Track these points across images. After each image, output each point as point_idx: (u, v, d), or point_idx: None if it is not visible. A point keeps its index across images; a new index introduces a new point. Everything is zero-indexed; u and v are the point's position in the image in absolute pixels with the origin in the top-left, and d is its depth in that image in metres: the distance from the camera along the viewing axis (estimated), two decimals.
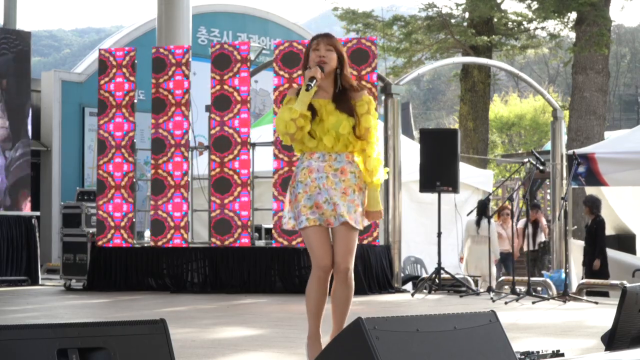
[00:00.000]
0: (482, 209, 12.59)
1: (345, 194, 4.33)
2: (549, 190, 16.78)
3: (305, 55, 4.48)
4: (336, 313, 4.48)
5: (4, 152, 11.84)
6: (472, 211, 11.13)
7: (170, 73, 10.49)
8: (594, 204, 11.60)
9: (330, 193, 4.31)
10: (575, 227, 14.38)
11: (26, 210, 11.98)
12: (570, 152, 11.16)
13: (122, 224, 10.47)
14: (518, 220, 13.53)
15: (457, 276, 9.96)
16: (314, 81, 4.28)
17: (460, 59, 19.37)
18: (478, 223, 12.73)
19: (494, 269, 12.05)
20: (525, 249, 13.39)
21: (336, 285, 4.47)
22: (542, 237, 14.01)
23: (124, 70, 10.67)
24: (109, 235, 10.46)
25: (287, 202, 4.46)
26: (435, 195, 10.02)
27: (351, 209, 4.32)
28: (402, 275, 10.81)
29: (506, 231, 13.82)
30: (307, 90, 4.28)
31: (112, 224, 10.46)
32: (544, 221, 14.85)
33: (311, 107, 4.32)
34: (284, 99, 4.46)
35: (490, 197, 11.49)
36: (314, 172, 4.35)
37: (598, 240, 11.48)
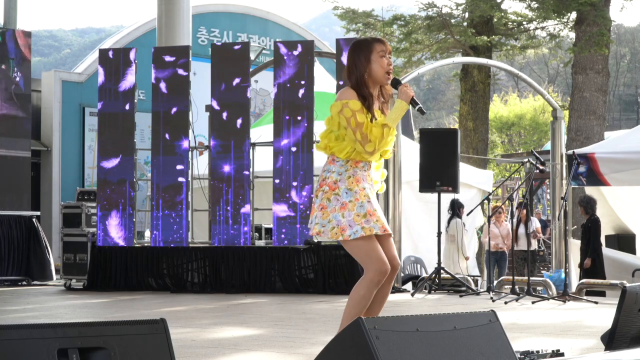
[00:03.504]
0: (453, 208, 12.79)
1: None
2: (548, 190, 16.78)
3: (365, 55, 4.31)
4: (372, 312, 4.40)
5: None
6: (471, 211, 11.12)
7: None
8: (588, 204, 11.60)
9: (376, 202, 4.35)
10: (575, 227, 14.38)
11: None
12: (570, 152, 11.16)
13: None
14: (519, 220, 13.54)
15: (457, 276, 9.97)
16: (419, 104, 4.32)
17: (460, 59, 19.36)
18: (448, 222, 12.90)
19: (463, 265, 12.23)
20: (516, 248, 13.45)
21: (385, 284, 4.39)
22: (534, 244, 13.88)
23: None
24: None
25: (318, 208, 4.30)
26: (444, 193, 10.03)
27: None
28: (402, 275, 10.81)
29: (500, 230, 13.86)
30: (423, 113, 4.40)
31: None
32: (537, 224, 14.81)
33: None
34: (344, 107, 4.25)
35: (490, 196, 11.48)
36: (361, 181, 4.29)
37: (592, 240, 11.48)
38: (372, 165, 4.40)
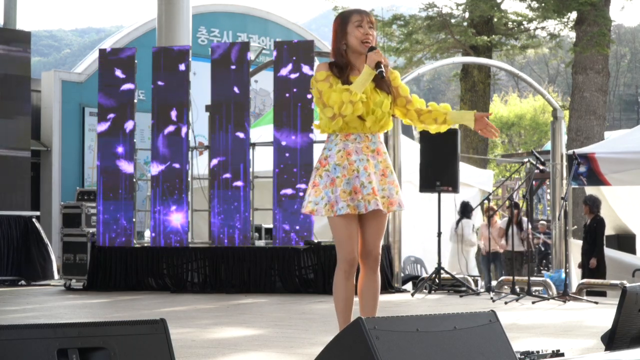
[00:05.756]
0: (464, 210, 12.86)
1: (385, 176, 4.25)
2: (548, 190, 16.77)
3: (341, 27, 4.31)
4: (366, 308, 4.26)
5: None
6: (471, 210, 11.15)
7: None
8: (594, 203, 11.62)
9: (371, 177, 4.19)
10: (575, 227, 14.38)
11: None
12: (570, 152, 11.16)
13: None
14: (510, 220, 13.57)
15: (457, 276, 9.97)
16: (382, 67, 4.17)
17: (460, 59, 19.36)
18: (457, 223, 12.99)
19: (471, 265, 12.28)
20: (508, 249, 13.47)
21: (366, 277, 4.29)
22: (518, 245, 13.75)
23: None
24: None
25: (311, 186, 4.25)
26: (444, 193, 10.02)
27: (392, 190, 4.23)
28: (402, 275, 10.81)
29: (491, 230, 13.89)
30: (382, 77, 4.18)
31: None
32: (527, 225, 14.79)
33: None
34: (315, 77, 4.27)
35: (490, 196, 11.52)
36: (352, 154, 4.21)
37: (598, 239, 11.49)
38: (370, 137, 4.26)
